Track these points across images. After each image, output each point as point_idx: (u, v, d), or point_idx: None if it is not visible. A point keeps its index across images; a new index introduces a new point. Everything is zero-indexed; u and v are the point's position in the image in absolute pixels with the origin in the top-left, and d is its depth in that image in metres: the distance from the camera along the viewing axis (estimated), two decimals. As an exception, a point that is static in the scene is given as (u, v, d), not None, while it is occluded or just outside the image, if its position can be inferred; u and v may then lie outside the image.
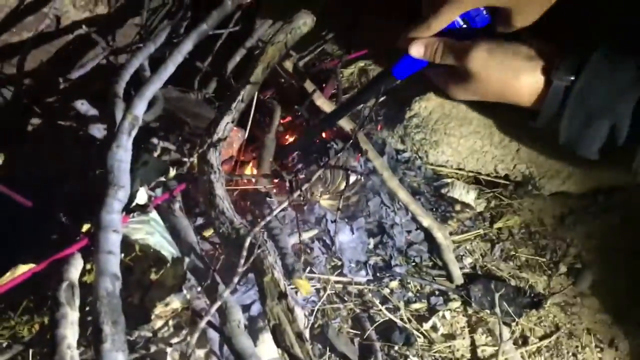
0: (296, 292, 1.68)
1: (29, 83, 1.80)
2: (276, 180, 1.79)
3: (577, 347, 1.71)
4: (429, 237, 1.94)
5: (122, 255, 1.23)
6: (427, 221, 1.89)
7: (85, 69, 1.81)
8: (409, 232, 1.96)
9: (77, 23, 2.05)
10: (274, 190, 1.80)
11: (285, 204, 1.31)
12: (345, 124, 1.87)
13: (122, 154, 1.31)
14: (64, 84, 1.70)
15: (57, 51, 2.02)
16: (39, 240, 1.34)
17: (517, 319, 1.76)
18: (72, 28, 2.04)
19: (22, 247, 1.31)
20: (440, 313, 1.78)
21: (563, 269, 1.96)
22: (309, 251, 1.82)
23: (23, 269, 1.22)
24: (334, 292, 1.80)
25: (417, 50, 1.24)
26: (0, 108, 1.73)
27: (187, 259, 1.28)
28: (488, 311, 1.79)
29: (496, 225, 2.08)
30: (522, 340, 1.73)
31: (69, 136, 1.58)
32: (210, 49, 2.08)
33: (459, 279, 1.86)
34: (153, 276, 1.27)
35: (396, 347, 1.66)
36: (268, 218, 1.29)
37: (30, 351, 1.23)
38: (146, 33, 2.15)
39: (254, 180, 1.81)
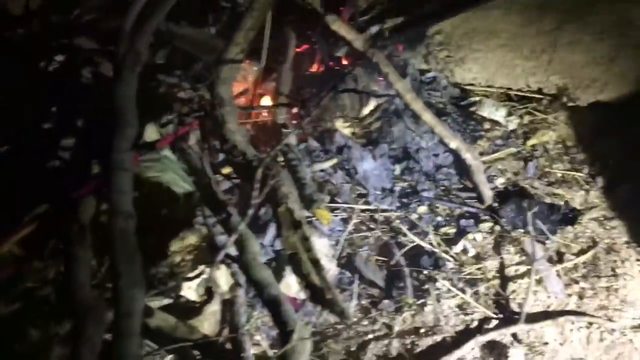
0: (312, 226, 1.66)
1: (37, 24, 1.77)
2: (294, 111, 1.75)
3: (615, 261, 1.64)
4: (458, 159, 1.86)
5: (137, 194, 1.23)
6: (454, 143, 1.81)
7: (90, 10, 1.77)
8: (436, 155, 1.90)
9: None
10: (292, 121, 1.75)
11: (294, 132, 1.27)
12: (358, 43, 1.77)
13: (127, 91, 1.29)
14: (71, 23, 1.66)
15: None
16: (55, 182, 1.34)
17: (551, 237, 1.70)
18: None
19: (36, 190, 1.31)
20: (471, 235, 1.74)
21: (601, 182, 1.87)
22: (332, 181, 1.79)
23: (41, 211, 1.24)
24: (359, 220, 1.77)
25: None
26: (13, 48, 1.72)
27: (197, 194, 1.26)
28: (521, 230, 1.73)
29: (530, 142, 1.99)
30: (558, 258, 1.67)
31: (79, 76, 1.55)
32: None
33: (490, 200, 1.80)
34: (166, 212, 1.26)
35: (425, 272, 1.63)
36: (278, 147, 1.26)
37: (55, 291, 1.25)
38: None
39: (271, 112, 1.77)
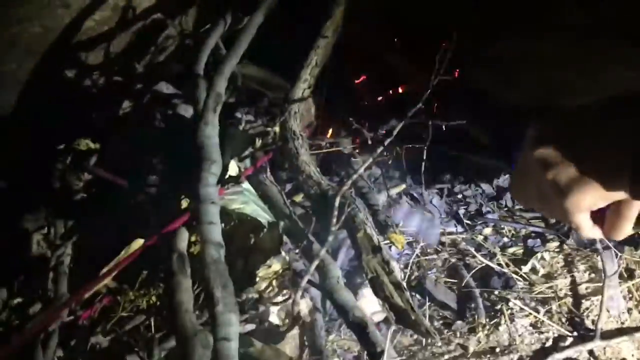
0: (389, 247, 1.71)
1: (115, 71, 1.90)
2: (358, 141, 1.82)
3: (689, 277, 1.65)
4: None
5: (222, 225, 1.30)
6: None
7: (165, 53, 1.89)
8: (497, 177, 1.93)
9: (150, 10, 2.13)
10: (357, 150, 1.82)
11: (370, 161, 1.34)
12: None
13: (210, 130, 1.38)
14: (147, 68, 1.78)
15: (136, 39, 2.12)
16: (144, 218, 1.44)
17: (620, 254, 1.71)
18: (146, 16, 2.13)
19: (129, 225, 1.41)
20: (539, 255, 1.76)
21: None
22: (398, 206, 1.84)
23: (137, 245, 1.33)
24: (426, 244, 1.81)
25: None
26: (92, 97, 1.85)
27: (282, 223, 1.33)
28: (588, 248, 1.74)
29: None
30: (628, 274, 1.68)
31: (158, 118, 1.66)
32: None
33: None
34: (252, 242, 1.33)
35: (496, 292, 1.66)
36: (354, 176, 1.33)
37: (152, 320, 1.33)
38: (216, 12, 2.21)
39: (335, 142, 1.84)
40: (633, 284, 1.64)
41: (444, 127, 1.52)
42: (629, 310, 1.59)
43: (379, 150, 1.35)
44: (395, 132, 1.32)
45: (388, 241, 1.48)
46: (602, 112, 0.74)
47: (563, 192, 0.73)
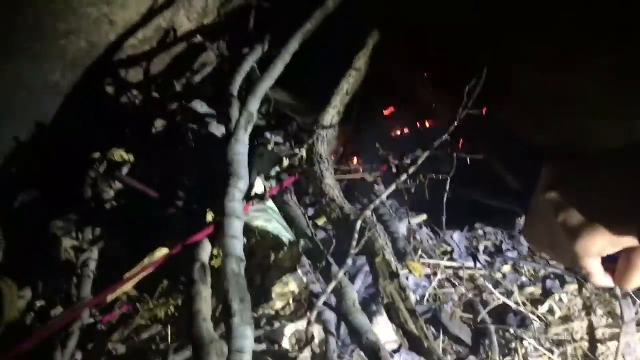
0: (407, 277, 1.73)
1: (153, 89, 1.98)
2: (385, 169, 1.85)
3: None
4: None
5: (245, 240, 1.34)
6: None
7: (202, 75, 1.96)
8: (519, 216, 1.94)
9: (191, 33, 2.22)
10: (381, 178, 1.85)
11: (393, 187, 1.36)
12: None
13: (241, 148, 1.42)
14: (183, 88, 1.85)
15: (175, 59, 2.21)
16: (169, 228, 1.48)
17: (639, 301, 1.69)
18: (187, 38, 2.22)
19: (154, 235, 1.45)
20: (557, 296, 1.75)
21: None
22: (418, 237, 1.86)
23: (160, 254, 1.37)
24: (444, 277, 1.82)
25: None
26: (129, 112, 1.92)
27: (302, 242, 1.36)
28: (607, 293, 1.73)
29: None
30: (647, 323, 1.66)
31: (190, 136, 1.71)
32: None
33: None
34: (272, 259, 1.36)
35: (511, 330, 1.65)
36: (377, 201, 1.35)
37: (169, 329, 1.36)
38: (254, 37, 2.29)
39: (361, 170, 1.88)
40: (652, 332, 1.62)
41: (468, 161, 1.54)
42: (646, 358, 1.57)
43: (404, 177, 1.38)
44: (420, 162, 1.34)
45: (406, 270, 1.50)
46: (617, 159, 0.74)
47: (573, 235, 0.73)
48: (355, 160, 1.94)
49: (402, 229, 1.71)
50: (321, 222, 1.68)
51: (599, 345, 1.61)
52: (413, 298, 1.75)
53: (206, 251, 1.30)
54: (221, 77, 1.94)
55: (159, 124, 1.79)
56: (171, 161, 1.69)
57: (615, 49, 1.05)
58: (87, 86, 2.00)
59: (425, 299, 1.74)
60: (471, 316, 1.72)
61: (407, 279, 1.77)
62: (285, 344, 1.43)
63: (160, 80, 2.02)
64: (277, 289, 1.30)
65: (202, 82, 1.98)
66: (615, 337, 1.60)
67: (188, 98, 1.82)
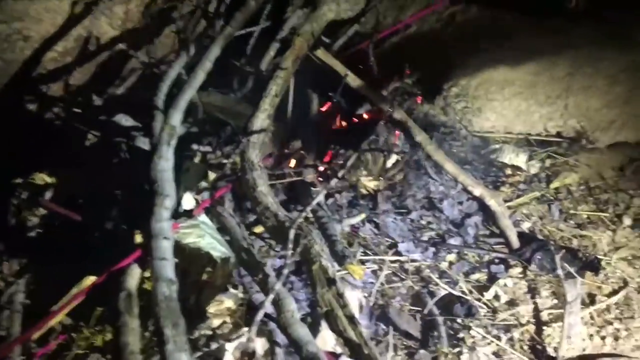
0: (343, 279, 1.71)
1: (75, 102, 1.89)
2: (321, 169, 1.82)
3: (647, 300, 1.65)
4: (483, 206, 1.90)
5: (177, 260, 1.29)
6: (478, 190, 1.85)
7: (126, 84, 1.89)
8: (460, 203, 1.94)
9: (114, 41, 2.14)
10: (319, 180, 1.82)
11: (323, 193, 1.34)
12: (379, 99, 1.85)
13: (164, 164, 1.37)
14: (107, 99, 1.78)
15: (101, 68, 2.12)
16: (96, 254, 1.42)
17: (581, 279, 1.71)
18: (110, 46, 2.13)
19: (80, 261, 1.39)
20: (502, 281, 1.76)
21: (628, 221, 1.89)
22: (361, 234, 1.84)
23: (88, 282, 1.31)
24: (390, 271, 1.81)
25: None
26: (53, 128, 1.84)
27: (232, 259, 1.32)
28: (550, 275, 1.75)
29: (553, 185, 2.03)
30: (590, 300, 1.68)
31: (117, 151, 1.65)
32: (245, 47, 2.12)
33: (517, 245, 1.83)
34: (205, 277, 1.32)
35: (459, 320, 1.65)
36: (308, 208, 1.32)
37: (107, 356, 1.31)
38: (182, 42, 2.21)
39: (299, 172, 1.84)
40: (595, 310, 1.64)
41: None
42: (590, 336, 1.59)
43: (332, 182, 1.35)
44: (349, 164, 1.31)
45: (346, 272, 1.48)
46: None
47: None
48: (293, 162, 1.90)
49: (339, 229, 1.68)
50: (258, 230, 1.64)
51: (544, 327, 1.62)
52: (359, 296, 1.74)
53: (134, 277, 1.25)
54: (146, 86, 1.87)
55: (84, 140, 1.72)
56: (98, 179, 1.62)
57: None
58: (7, 106, 1.91)
59: (373, 296, 1.73)
60: (419, 309, 1.71)
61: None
62: (229, 358, 1.40)
63: (84, 93, 1.94)
64: (212, 308, 1.26)
65: (128, 92, 1.91)
66: (561, 318, 1.61)
67: (112, 111, 1.74)
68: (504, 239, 1.86)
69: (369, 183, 1.88)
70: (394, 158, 1.88)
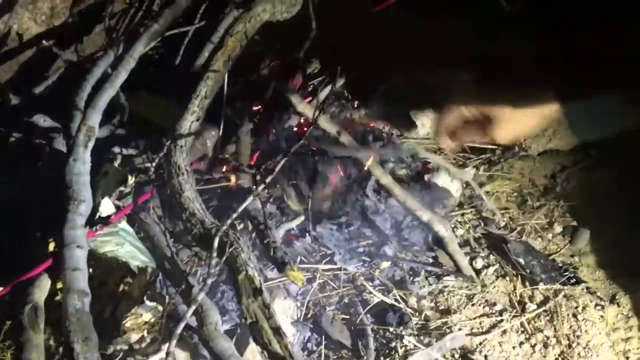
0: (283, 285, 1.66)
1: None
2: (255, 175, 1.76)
3: (576, 307, 1.66)
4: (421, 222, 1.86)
5: (93, 269, 1.21)
6: (426, 216, 1.82)
7: (47, 82, 1.79)
8: (394, 218, 1.90)
9: (39, 37, 2.02)
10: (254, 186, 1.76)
11: (253, 199, 1.28)
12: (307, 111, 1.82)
13: (81, 167, 1.29)
14: (26, 99, 1.67)
15: (21, 67, 2.00)
16: (8, 261, 1.32)
17: (514, 287, 1.72)
18: (34, 43, 2.02)
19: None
20: (436, 289, 1.75)
21: (558, 229, 1.92)
22: (297, 242, 1.79)
23: (-8, 294, 1.21)
24: (324, 280, 1.77)
25: None
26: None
27: (150, 269, 1.25)
28: (485, 286, 1.75)
29: (484, 189, 2.05)
30: (521, 308, 1.69)
31: (35, 153, 1.55)
32: (179, 47, 2.04)
33: (467, 270, 1.80)
34: (122, 288, 1.25)
35: (391, 329, 1.63)
36: (234, 215, 1.27)
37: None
38: (111, 39, 2.12)
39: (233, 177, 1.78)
40: (526, 319, 1.65)
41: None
42: (521, 344, 1.59)
43: (260, 188, 1.30)
44: (277, 170, 1.27)
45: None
46: None
47: None
48: (225, 166, 1.83)
49: (279, 236, 1.64)
50: (188, 237, 1.57)
51: (476, 337, 1.61)
52: (292, 305, 1.69)
53: (42, 289, 1.16)
54: (68, 85, 1.77)
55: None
56: (14, 183, 1.52)
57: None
58: None
59: (305, 305, 1.69)
60: (353, 317, 1.68)
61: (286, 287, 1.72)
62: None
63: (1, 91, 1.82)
64: (129, 321, 1.18)
65: (50, 92, 1.80)
66: (493, 326, 1.62)
67: (31, 111, 1.64)
68: (453, 262, 1.83)
69: (296, 207, 1.83)
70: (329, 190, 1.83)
